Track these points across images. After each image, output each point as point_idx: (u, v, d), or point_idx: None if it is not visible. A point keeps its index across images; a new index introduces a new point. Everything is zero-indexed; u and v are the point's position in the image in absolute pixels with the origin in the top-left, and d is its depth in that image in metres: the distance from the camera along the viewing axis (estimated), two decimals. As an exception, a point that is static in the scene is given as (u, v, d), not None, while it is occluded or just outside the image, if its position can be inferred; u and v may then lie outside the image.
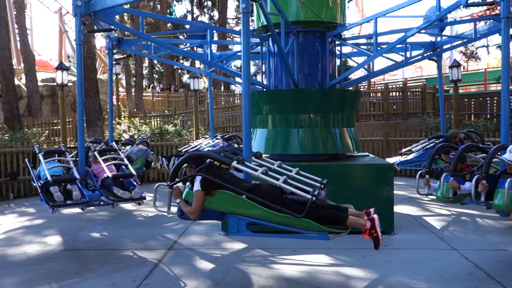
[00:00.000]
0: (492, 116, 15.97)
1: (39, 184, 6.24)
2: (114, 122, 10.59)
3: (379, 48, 7.40)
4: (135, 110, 21.65)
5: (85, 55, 14.92)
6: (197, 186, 4.07)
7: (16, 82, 17.66)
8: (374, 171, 6.70)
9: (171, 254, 5.75)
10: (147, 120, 17.41)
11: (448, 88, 19.35)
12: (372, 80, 26.82)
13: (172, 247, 6.03)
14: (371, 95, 17.68)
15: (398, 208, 7.94)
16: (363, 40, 9.67)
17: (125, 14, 28.73)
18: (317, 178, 4.46)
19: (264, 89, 7.69)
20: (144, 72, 35.88)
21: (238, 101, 20.70)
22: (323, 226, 3.82)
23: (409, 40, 8.11)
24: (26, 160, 7.37)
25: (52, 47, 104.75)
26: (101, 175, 6.54)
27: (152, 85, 32.59)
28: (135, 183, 6.68)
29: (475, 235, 6.47)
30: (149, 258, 5.54)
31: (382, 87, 17.96)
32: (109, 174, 6.43)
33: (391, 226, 6.54)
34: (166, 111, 21.24)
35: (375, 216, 3.88)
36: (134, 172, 6.84)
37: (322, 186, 4.22)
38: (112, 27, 6.84)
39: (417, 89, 17.41)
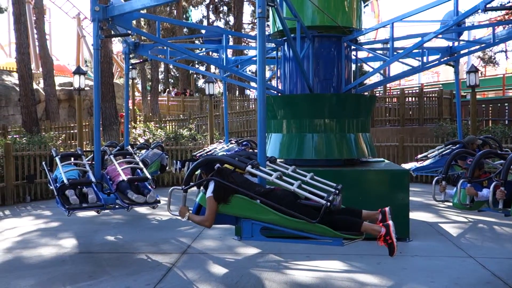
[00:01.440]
0: (510, 122, 15.71)
1: (56, 187, 6.30)
2: (129, 126, 10.66)
3: (395, 53, 7.34)
4: (150, 114, 21.81)
5: (102, 59, 15.11)
6: (210, 191, 4.06)
7: (35, 86, 17.97)
8: (389, 177, 6.64)
9: (185, 258, 5.75)
10: (162, 125, 17.53)
11: (465, 94, 19.12)
12: (388, 85, 26.62)
13: (186, 251, 6.04)
14: (387, 100, 17.55)
15: (414, 215, 7.85)
16: (379, 45, 9.60)
17: (142, 19, 29.06)
18: (332, 183, 4.42)
19: (279, 94, 7.69)
20: (160, 76, 36.17)
21: (253, 106, 20.71)
22: (337, 232, 3.79)
23: (426, 45, 8.01)
24: (43, 163, 7.45)
25: (70, 52, 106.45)
26: (116, 179, 6.58)
27: (167, 89, 32.81)
28: (149, 187, 6.71)
29: (492, 243, 6.35)
30: (163, 262, 5.55)
31: (398, 93, 17.81)
32: (124, 178, 6.48)
33: (406, 233, 6.46)
34: (181, 115, 21.37)
35: (390, 222, 3.82)
36: (149, 176, 6.87)
37: (337, 191, 4.18)
38: (129, 32, 6.90)
39: (433, 95, 17.23)
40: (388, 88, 24.13)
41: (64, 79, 25.33)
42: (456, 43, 8.85)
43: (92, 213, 8.75)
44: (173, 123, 19.07)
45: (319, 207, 3.81)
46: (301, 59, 6.76)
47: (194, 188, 4.42)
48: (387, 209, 3.96)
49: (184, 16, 30.90)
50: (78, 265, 5.51)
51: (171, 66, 40.17)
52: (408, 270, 5.22)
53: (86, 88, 13.05)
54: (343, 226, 3.83)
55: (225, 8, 35.76)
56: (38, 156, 10.26)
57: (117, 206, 6.37)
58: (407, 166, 9.73)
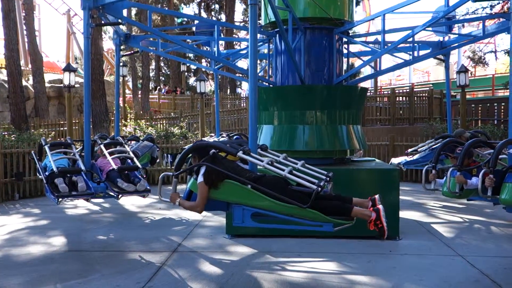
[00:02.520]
0: (500, 122, 15.86)
1: (45, 175, 6.25)
2: (120, 124, 10.60)
3: (386, 47, 7.37)
4: (141, 112, 21.71)
5: (92, 56, 14.99)
6: (201, 177, 4.03)
7: (24, 83, 17.79)
8: (379, 175, 6.67)
9: (175, 256, 5.73)
10: (153, 123, 17.45)
11: (455, 94, 19.27)
12: (379, 85, 26.74)
13: (177, 250, 6.02)
14: (378, 100, 17.62)
15: (404, 214, 7.90)
16: (371, 39, 9.63)
17: (133, 12, 28.86)
18: (323, 171, 4.40)
19: (271, 86, 7.69)
20: (151, 74, 36.01)
21: (244, 104, 20.70)
22: (328, 217, 3.79)
23: (417, 39, 8.09)
24: (32, 152, 7.40)
25: (60, 49, 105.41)
26: (106, 168, 6.57)
27: (158, 87, 32.68)
28: (140, 177, 6.70)
29: (481, 242, 6.40)
30: (153, 261, 5.53)
31: (389, 92, 17.90)
32: (115, 166, 6.47)
33: (396, 232, 6.49)
34: (172, 113, 21.28)
35: (380, 206, 3.83)
36: (139, 165, 6.86)
37: (328, 178, 4.18)
38: (120, 20, 6.86)
39: (424, 94, 17.34)
40: (379, 88, 24.24)
41: (54, 76, 25.09)
42: (446, 38, 8.91)
43: (82, 211, 8.74)
44: (164, 121, 18.99)
45: (310, 193, 3.81)
46: (293, 50, 6.76)
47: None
48: (376, 196, 3.96)
49: (176, 17, 30.70)
50: (67, 264, 5.47)
51: (162, 64, 40.02)
52: (397, 269, 5.24)
53: (76, 85, 12.94)
54: (334, 211, 3.84)
55: (217, 6, 35.69)
56: (27, 154, 10.15)
57: (107, 195, 6.40)
58: (397, 160, 9.76)
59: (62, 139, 15.39)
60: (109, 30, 42.39)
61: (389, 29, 7.85)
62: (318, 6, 6.83)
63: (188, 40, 10.72)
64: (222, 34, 10.46)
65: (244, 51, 9.59)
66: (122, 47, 8.79)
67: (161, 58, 38.60)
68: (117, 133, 8.84)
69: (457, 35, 9.13)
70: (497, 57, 23.28)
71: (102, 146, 7.01)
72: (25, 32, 23.72)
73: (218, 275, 5.05)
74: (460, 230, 7.15)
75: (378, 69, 8.32)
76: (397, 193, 6.56)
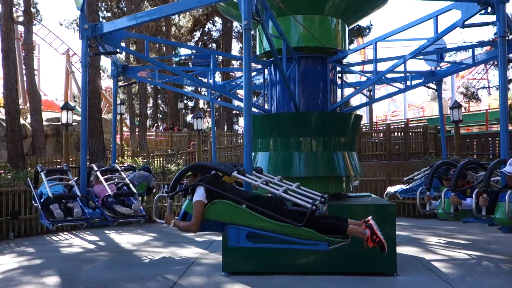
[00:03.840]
0: (495, 156, 15.96)
1: (40, 202, 6.26)
2: (117, 161, 10.64)
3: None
4: (138, 149, 21.77)
5: (90, 95, 15.20)
6: (197, 196, 4.03)
7: (22, 121, 17.91)
8: (375, 210, 6.66)
9: (171, 295, 5.65)
10: (150, 160, 17.47)
11: (450, 129, 19.46)
12: (374, 120, 27.01)
13: (172, 288, 5.94)
14: (374, 135, 17.77)
15: (401, 249, 7.84)
16: (368, 68, 9.84)
17: (131, 43, 29.33)
18: (318, 193, 4.40)
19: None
20: (148, 112, 36.31)
21: (241, 141, 20.81)
22: (323, 236, 3.77)
23: (409, 69, 8.27)
24: (28, 178, 7.43)
25: (59, 87, 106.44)
26: (102, 195, 6.60)
27: (156, 124, 32.90)
28: (134, 201, 6.72)
29: (480, 277, 6.34)
30: (148, 300, 5.45)
31: (384, 128, 18.07)
32: (110, 192, 6.49)
33: (393, 267, 6.44)
34: (169, 150, 21.34)
35: (372, 222, 3.82)
36: (135, 191, 6.88)
37: (323, 199, 4.17)
38: (118, 50, 7.01)
39: (419, 130, 17.51)
40: (375, 124, 24.49)
41: (52, 114, 25.31)
42: (438, 68, 9.07)
43: (77, 249, 8.64)
44: (161, 158, 19.02)
45: (305, 213, 3.79)
46: (287, 78, 6.88)
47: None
48: (369, 217, 3.95)
49: (173, 52, 31.30)
50: (60, 304, 5.38)
51: (159, 102, 40.42)
52: (396, 306, 5.18)
53: (73, 124, 13.07)
54: (329, 229, 3.83)
55: (214, 45, 36.39)
56: (23, 192, 10.13)
57: (103, 220, 6.43)
58: (393, 188, 9.72)
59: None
60: (107, 69, 43.08)
61: (381, 58, 7.99)
62: (312, 35, 7.00)
63: (184, 71, 10.93)
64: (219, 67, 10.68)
65: (242, 83, 9.80)
66: (119, 77, 8.94)
67: (158, 96, 39.04)
68: (113, 159, 8.88)
69: (448, 64, 9.26)
70: (490, 93, 23.68)
71: (98, 173, 7.05)
72: (24, 72, 24.07)
73: (214, 314, 4.97)
74: (459, 265, 7.09)
75: (372, 98, 8.45)
76: (393, 228, 6.54)
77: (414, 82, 9.05)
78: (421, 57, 8.12)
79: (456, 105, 12.61)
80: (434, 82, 9.12)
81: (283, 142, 7.07)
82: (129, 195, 6.77)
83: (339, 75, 8.12)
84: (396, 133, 17.18)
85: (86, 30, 6.22)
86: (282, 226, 3.82)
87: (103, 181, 6.76)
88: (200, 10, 30.66)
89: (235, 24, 30.24)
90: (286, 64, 7.01)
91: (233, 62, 29.88)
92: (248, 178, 4.26)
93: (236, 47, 35.16)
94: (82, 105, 6.57)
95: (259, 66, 8.16)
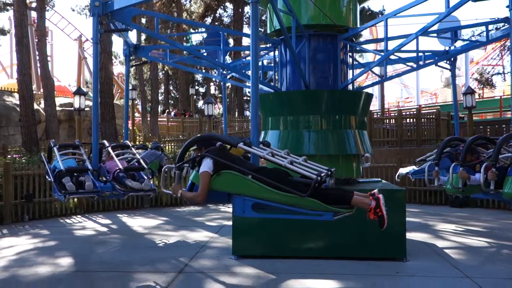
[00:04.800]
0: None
1: (53, 175, 6.42)
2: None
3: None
4: (150, 135, 21.91)
5: (102, 80, 15.27)
6: (203, 167, 4.07)
7: (35, 106, 18.10)
8: (385, 196, 6.62)
9: (181, 277, 5.74)
10: (162, 145, 17.56)
11: (463, 115, 19.25)
12: (386, 107, 26.77)
13: (183, 271, 6.03)
14: (385, 121, 17.66)
15: (411, 235, 7.84)
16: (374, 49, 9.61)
17: (142, 26, 29.32)
18: (324, 167, 4.37)
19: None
20: (160, 98, 36.43)
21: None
22: (328, 206, 3.78)
23: (422, 48, 8.15)
24: (42, 154, 7.58)
25: (71, 73, 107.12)
26: (113, 169, 6.76)
27: (167, 110, 33.03)
28: (145, 177, 6.84)
29: (490, 264, 6.34)
30: (159, 281, 5.54)
31: (396, 114, 17.93)
32: (121, 166, 6.64)
33: (403, 253, 6.45)
34: (180, 136, 21.45)
35: (380, 195, 3.82)
36: (145, 166, 6.99)
37: (329, 172, 4.16)
38: (129, 27, 7.05)
39: (431, 116, 17.35)
40: (386, 110, 24.30)
41: (65, 100, 25.52)
42: (452, 47, 8.84)
43: (90, 232, 8.79)
44: (173, 143, 19.14)
45: (310, 184, 3.80)
46: (297, 56, 6.86)
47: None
48: (376, 191, 3.94)
49: (185, 38, 31.28)
50: (74, 284, 5.51)
51: (171, 88, 40.49)
52: (404, 290, 5.21)
53: (86, 109, 13.18)
54: (334, 200, 3.84)
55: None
56: (37, 175, 10.29)
57: (113, 194, 6.61)
58: (405, 170, 9.59)
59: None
60: (119, 55, 43.19)
61: (392, 36, 7.87)
62: (322, 13, 6.94)
63: (196, 50, 10.90)
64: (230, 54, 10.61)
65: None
66: (131, 57, 8.99)
67: (170, 82, 39.10)
68: (126, 136, 8.97)
69: (462, 41, 8.98)
70: (504, 79, 23.31)
71: (109, 149, 7.20)
72: (37, 57, 24.23)
73: (224, 295, 5.05)
74: (469, 251, 7.08)
75: (384, 76, 8.32)
76: (403, 214, 6.54)
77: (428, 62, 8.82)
78: (435, 35, 7.92)
79: (470, 91, 12.46)
80: (447, 62, 8.86)
81: (293, 120, 7.06)
82: (139, 169, 6.91)
83: (350, 54, 8.03)
84: (408, 119, 17.05)
85: (96, 7, 6.27)
86: (287, 196, 3.84)
87: (114, 156, 6.93)
88: (212, -5, 30.50)
89: (246, 9, 30.04)
90: (296, 42, 6.96)
91: (245, 44, 29.71)
92: (254, 150, 4.27)
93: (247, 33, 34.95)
94: (93, 79, 6.70)
95: (269, 46, 8.11)
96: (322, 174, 3.85)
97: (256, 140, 4.45)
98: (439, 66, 9.14)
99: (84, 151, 7.22)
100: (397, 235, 6.43)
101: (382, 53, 7.51)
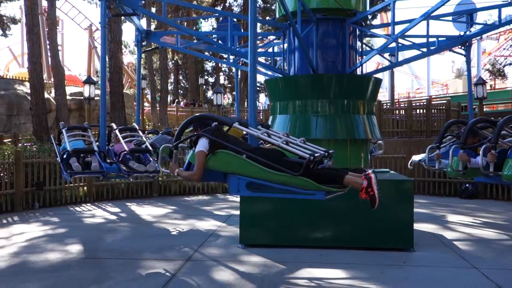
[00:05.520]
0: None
1: (60, 155, 6.64)
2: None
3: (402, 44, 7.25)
4: (159, 124, 22.00)
5: (112, 69, 15.36)
6: (199, 147, 4.14)
7: (46, 95, 18.24)
8: (393, 186, 6.64)
9: (189, 265, 5.80)
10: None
11: (474, 107, 19.05)
12: (396, 97, 26.54)
13: (190, 258, 6.08)
14: (395, 112, 17.53)
15: (419, 226, 7.83)
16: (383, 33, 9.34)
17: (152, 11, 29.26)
18: (323, 148, 4.37)
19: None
20: (169, 87, 36.48)
21: (262, 117, 20.81)
22: (320, 185, 3.79)
23: (436, 33, 7.97)
24: (52, 136, 7.77)
25: (82, 63, 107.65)
26: (120, 151, 6.89)
27: (176, 100, 33.09)
28: (151, 159, 6.93)
29: (497, 255, 6.32)
30: (167, 268, 5.60)
31: (406, 105, 17.80)
32: (126, 148, 6.77)
33: (410, 243, 6.44)
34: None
35: (372, 175, 3.80)
36: (150, 148, 7.09)
37: (327, 153, 4.16)
38: (137, 12, 7.09)
39: (441, 107, 17.19)
40: (396, 100, 24.12)
41: (75, 89, 25.65)
42: (468, 32, 8.60)
43: (99, 220, 8.89)
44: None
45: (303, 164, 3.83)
46: (304, 41, 6.83)
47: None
48: (370, 171, 3.91)
49: (194, 28, 31.21)
50: (83, 270, 5.58)
51: (180, 77, 40.50)
52: (410, 280, 5.21)
53: (96, 98, 13.23)
54: (326, 179, 3.85)
55: (235, 20, 36.07)
56: (47, 164, 10.40)
57: (119, 175, 6.82)
58: (418, 157, 9.32)
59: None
60: (129, 44, 43.24)
61: (400, 21, 7.75)
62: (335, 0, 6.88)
63: (206, 35, 10.90)
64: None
65: (262, 49, 9.84)
66: (143, 43, 9.04)
67: (179, 72, 39.11)
68: (137, 121, 9.03)
69: (478, 25, 8.52)
70: (517, 70, 22.97)
71: (117, 131, 7.34)
72: (48, 47, 24.35)
73: (230, 284, 5.09)
74: (476, 242, 7.06)
75: (396, 60, 8.13)
76: (411, 205, 6.52)
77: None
78: (449, 19, 7.72)
79: (481, 82, 12.31)
80: (460, 46, 8.60)
81: (301, 105, 7.04)
82: (145, 151, 7.01)
83: (359, 39, 7.92)
84: (418, 110, 16.91)
85: None
86: (280, 175, 3.86)
87: (121, 138, 7.08)
88: (221, -15, 30.33)
89: (257, -1, 29.83)
90: (302, 26, 6.92)
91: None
92: (249, 129, 4.32)
93: (257, 24, 34.78)
94: (101, 61, 6.89)
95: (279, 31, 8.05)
96: (316, 154, 3.86)
97: (253, 120, 4.47)
98: (453, 51, 8.90)
99: (92, 134, 7.40)
100: (405, 225, 6.42)
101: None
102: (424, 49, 8.25)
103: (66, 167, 6.42)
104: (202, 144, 4.11)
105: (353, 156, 7.08)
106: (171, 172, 4.47)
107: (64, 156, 6.50)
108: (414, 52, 8.29)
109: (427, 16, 6.81)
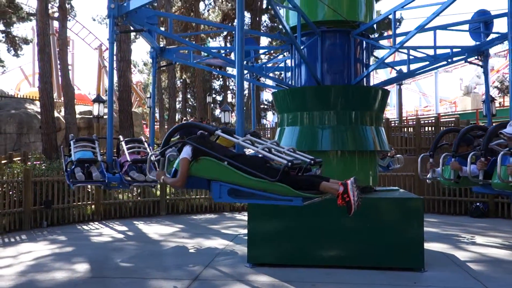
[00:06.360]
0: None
1: (65, 165, 7.04)
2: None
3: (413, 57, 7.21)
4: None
5: (121, 88, 15.51)
6: (183, 154, 4.25)
7: (56, 114, 18.43)
8: (403, 204, 6.57)
9: (196, 284, 5.74)
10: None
11: (483, 124, 18.95)
12: (404, 114, 26.48)
13: (197, 278, 6.02)
14: (403, 130, 17.47)
15: (430, 246, 7.71)
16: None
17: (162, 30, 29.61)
18: (310, 156, 4.38)
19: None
20: (177, 105, 36.73)
21: (269, 135, 20.82)
22: (297, 191, 3.81)
23: (451, 44, 7.85)
24: (61, 146, 8.06)
25: (91, 82, 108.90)
26: (126, 164, 7.14)
27: (184, 118, 33.25)
28: (153, 168, 7.02)
29: (510, 275, 6.18)
30: (174, 288, 5.55)
31: (414, 122, 17.73)
32: (128, 159, 6.93)
33: (421, 263, 6.33)
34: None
35: (349, 181, 3.76)
36: (152, 158, 7.20)
37: (313, 162, 4.16)
38: (144, 28, 7.28)
39: (450, 124, 17.11)
40: (404, 118, 24.06)
41: (85, 107, 25.93)
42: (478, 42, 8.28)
43: (106, 238, 8.87)
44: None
45: (286, 171, 3.87)
46: (310, 53, 6.98)
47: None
48: (352, 178, 3.85)
49: (203, 45, 31.49)
50: (89, 290, 5.54)
51: (188, 96, 40.78)
52: (421, 301, 5.11)
53: (105, 116, 13.36)
54: (304, 185, 3.87)
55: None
56: (56, 182, 10.44)
57: (121, 185, 7.05)
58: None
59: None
60: (138, 64, 43.75)
61: (401, 32, 7.71)
62: (331, 8, 6.91)
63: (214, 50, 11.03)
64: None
65: (271, 65, 9.93)
66: (158, 59, 9.23)
67: (187, 90, 39.39)
68: (152, 140, 9.01)
69: (494, 34, 8.00)
70: (526, 87, 22.83)
71: (123, 143, 7.61)
72: (59, 66, 24.70)
73: (238, 303, 5.02)
74: (488, 262, 6.92)
75: (407, 70, 8.02)
76: (421, 223, 6.42)
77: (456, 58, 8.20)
78: (464, 28, 7.57)
79: (490, 99, 12.23)
80: (478, 57, 8.23)
81: (308, 116, 7.04)
82: (145, 162, 7.18)
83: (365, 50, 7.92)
84: (426, 127, 16.84)
85: (112, 9, 6.62)
86: (259, 182, 3.91)
87: (125, 150, 7.33)
88: (229, 4, 30.72)
89: (264, 18, 30.18)
90: (309, 38, 7.02)
91: (261, 57, 29.84)
92: (230, 136, 4.40)
93: (265, 41, 35.13)
94: (109, 76, 7.24)
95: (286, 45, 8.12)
96: (295, 161, 3.93)
97: (241, 128, 4.54)
98: (471, 62, 8.64)
99: (98, 145, 7.64)
100: (415, 244, 6.32)
101: (402, 50, 7.36)
102: (442, 62, 8.02)
103: (70, 176, 6.78)
104: (186, 152, 4.25)
105: (361, 169, 7.04)
106: (157, 179, 4.64)
107: (68, 166, 6.93)
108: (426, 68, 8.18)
109: (421, 29, 6.73)
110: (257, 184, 3.92)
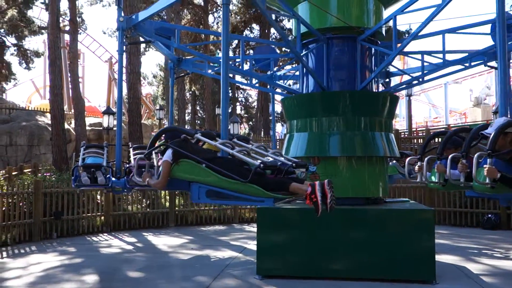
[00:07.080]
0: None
1: (72, 169, 7.43)
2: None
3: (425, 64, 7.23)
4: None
5: (131, 100, 15.63)
6: (164, 157, 4.48)
7: (66, 126, 18.59)
8: (413, 216, 6.50)
9: (205, 296, 5.71)
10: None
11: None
12: (414, 126, 26.36)
13: (206, 290, 5.99)
14: (413, 141, 17.38)
15: (441, 257, 7.61)
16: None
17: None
18: (294, 160, 4.55)
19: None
20: (187, 118, 36.88)
21: (278, 146, 20.82)
22: (268, 192, 3.95)
23: (468, 48, 7.73)
24: (74, 153, 8.42)
25: (101, 94, 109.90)
26: (133, 169, 7.18)
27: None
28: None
29: (524, 288, 6.08)
30: (183, 300, 5.52)
31: (424, 134, 17.64)
32: (133, 164, 7.03)
33: (432, 275, 6.24)
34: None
35: (317, 182, 3.82)
36: (155, 163, 7.38)
37: (294, 165, 4.22)
38: (151, 39, 7.54)
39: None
40: (414, 129, 23.96)
41: (95, 119, 26.13)
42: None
43: (116, 250, 8.88)
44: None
45: (261, 173, 4.04)
46: (317, 60, 7.11)
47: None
48: (325, 181, 3.88)
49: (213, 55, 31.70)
50: (98, 301, 5.53)
51: (198, 108, 40.98)
52: (434, 314, 5.03)
53: (114, 128, 13.46)
54: (274, 186, 4.01)
55: (251, 51, 36.63)
56: (66, 193, 10.49)
57: (125, 190, 7.30)
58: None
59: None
60: (148, 76, 44.09)
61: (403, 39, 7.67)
62: (333, 16, 6.93)
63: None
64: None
65: (286, 73, 10.05)
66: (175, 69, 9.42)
67: (197, 102, 39.61)
68: None
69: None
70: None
71: (131, 149, 7.80)
72: (69, 79, 25.00)
73: (247, 316, 4.98)
74: (500, 275, 6.81)
75: (421, 77, 7.93)
76: (432, 235, 6.35)
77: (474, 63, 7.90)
78: (484, 31, 7.44)
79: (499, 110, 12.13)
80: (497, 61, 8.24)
81: (316, 122, 7.02)
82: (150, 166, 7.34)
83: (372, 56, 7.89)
84: (436, 138, 16.71)
85: (121, 22, 6.86)
86: (232, 182, 4.11)
87: (131, 155, 7.50)
88: (238, 17, 30.94)
89: (272, 30, 30.33)
90: (303, 44, 7.17)
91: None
92: (209, 140, 4.62)
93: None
94: (118, 87, 7.39)
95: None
96: (268, 163, 4.15)
97: (225, 132, 4.72)
98: (489, 66, 8.45)
99: (107, 151, 7.90)
100: (426, 256, 6.24)
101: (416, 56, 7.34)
102: (460, 66, 7.87)
103: (77, 181, 7.12)
104: (167, 155, 4.48)
105: (370, 176, 6.97)
106: (142, 181, 4.86)
107: (75, 170, 7.28)
108: (446, 70, 8.00)
109: (415, 36, 6.71)
110: (231, 185, 4.12)
